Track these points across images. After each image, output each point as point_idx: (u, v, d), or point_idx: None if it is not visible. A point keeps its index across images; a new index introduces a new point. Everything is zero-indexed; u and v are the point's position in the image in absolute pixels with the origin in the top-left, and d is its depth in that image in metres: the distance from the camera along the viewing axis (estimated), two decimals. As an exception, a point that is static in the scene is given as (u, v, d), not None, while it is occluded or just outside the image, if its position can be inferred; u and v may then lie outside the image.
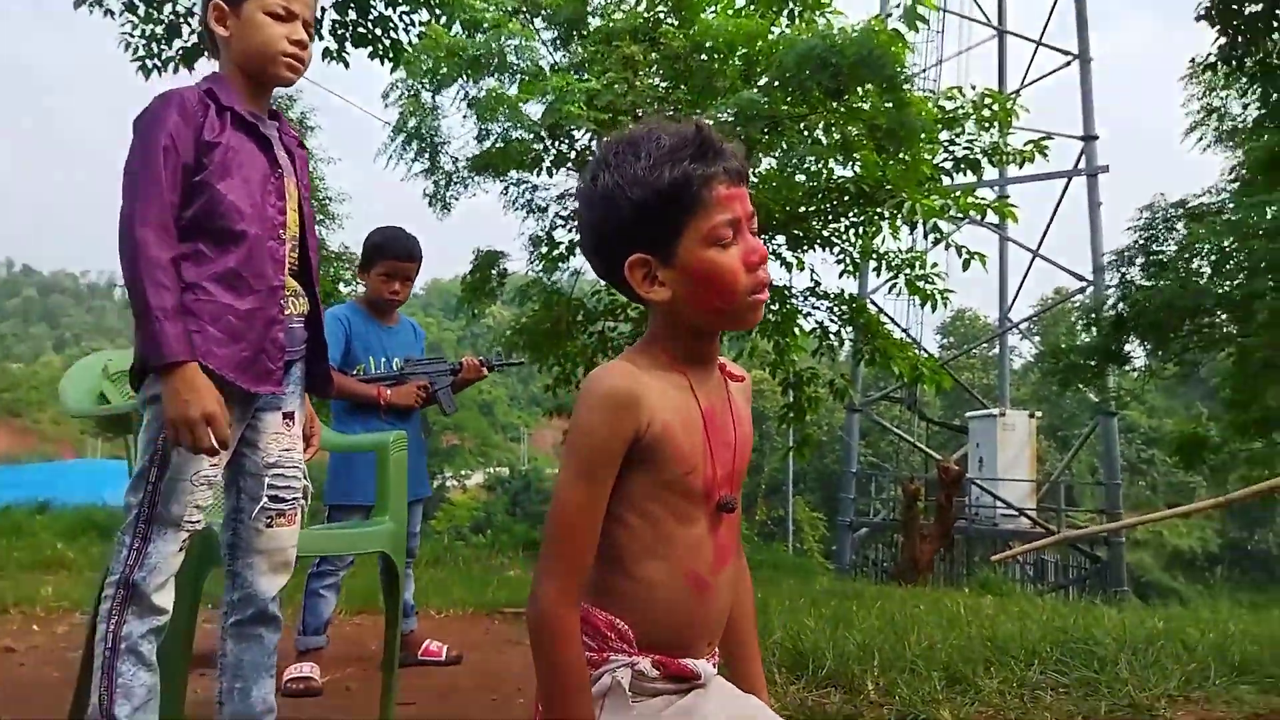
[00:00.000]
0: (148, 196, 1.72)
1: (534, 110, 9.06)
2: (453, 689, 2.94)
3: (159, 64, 10.47)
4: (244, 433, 1.92)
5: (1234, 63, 8.05)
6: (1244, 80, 8.43)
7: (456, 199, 10.12)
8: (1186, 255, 10.12)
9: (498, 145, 9.44)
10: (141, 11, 10.25)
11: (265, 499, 1.92)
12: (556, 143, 9.52)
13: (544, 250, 10.60)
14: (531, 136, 8.91)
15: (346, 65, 11.48)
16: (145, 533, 1.75)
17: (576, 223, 1.23)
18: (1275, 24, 7.45)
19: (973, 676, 2.74)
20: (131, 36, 10.27)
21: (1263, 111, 8.54)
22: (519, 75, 9.12)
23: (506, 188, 10.63)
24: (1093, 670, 2.82)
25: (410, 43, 11.33)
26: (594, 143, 9.46)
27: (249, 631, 1.93)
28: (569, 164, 9.98)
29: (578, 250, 10.72)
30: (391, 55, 11.30)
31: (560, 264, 10.74)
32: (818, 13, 9.29)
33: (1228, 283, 9.52)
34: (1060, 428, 37.58)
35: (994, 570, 11.14)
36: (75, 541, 7.28)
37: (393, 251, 3.13)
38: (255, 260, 1.84)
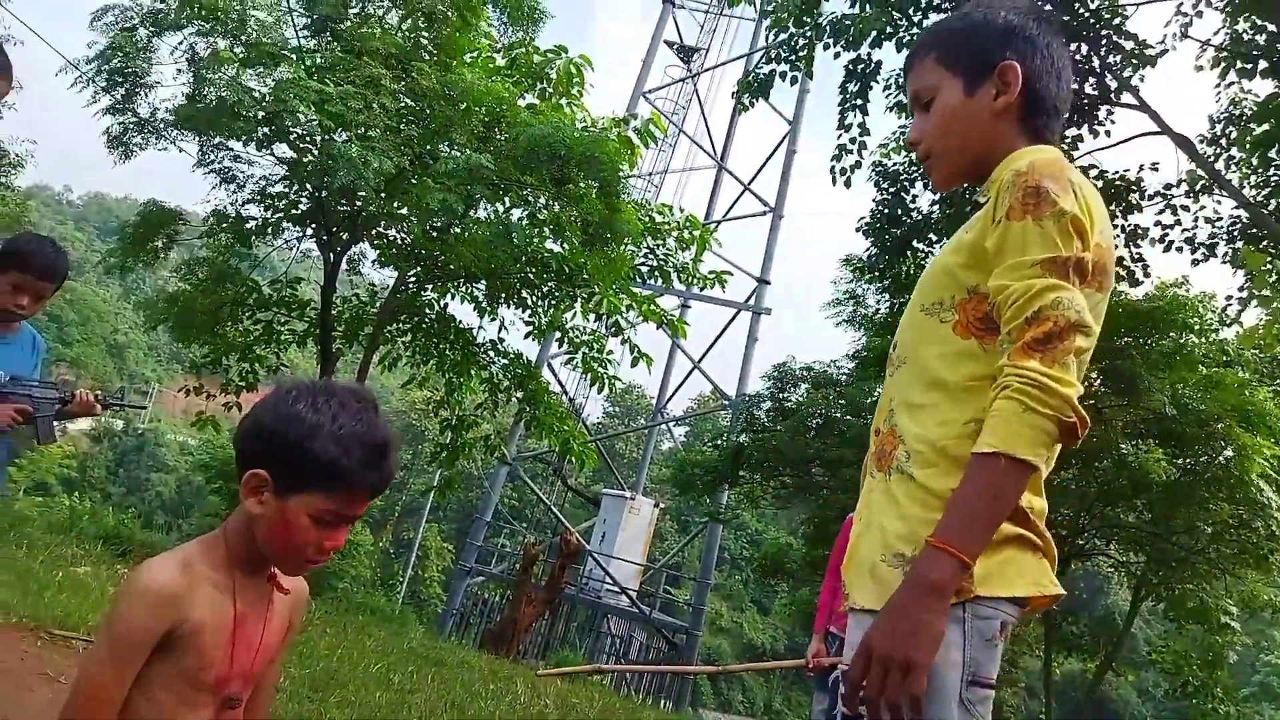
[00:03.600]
0: None
1: (257, 81, 8.61)
2: (-43, 734, 2.73)
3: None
4: None
5: (875, 270, 9.64)
6: (881, 284, 10.11)
7: (142, 148, 9.21)
8: (802, 412, 11.91)
9: (210, 103, 8.80)
10: None
11: None
12: (273, 125, 9.05)
13: (229, 227, 9.93)
14: (249, 107, 8.39)
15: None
16: None
17: (254, 417, 1.30)
18: (909, 250, 9.06)
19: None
20: None
21: (888, 314, 10.33)
22: (254, 45, 8.63)
23: (206, 149, 9.89)
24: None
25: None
26: (316, 134, 9.15)
27: None
28: (283, 143, 9.53)
29: (269, 231, 10.19)
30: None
31: (243, 246, 10.13)
32: (565, 100, 9.81)
33: (826, 443, 11.27)
34: (685, 513, 40.99)
35: (578, 648, 11.97)
36: None
37: (30, 266, 2.88)
38: None
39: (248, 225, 10.03)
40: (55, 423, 3.01)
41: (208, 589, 1.32)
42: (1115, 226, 7.46)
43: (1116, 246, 7.40)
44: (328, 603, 9.67)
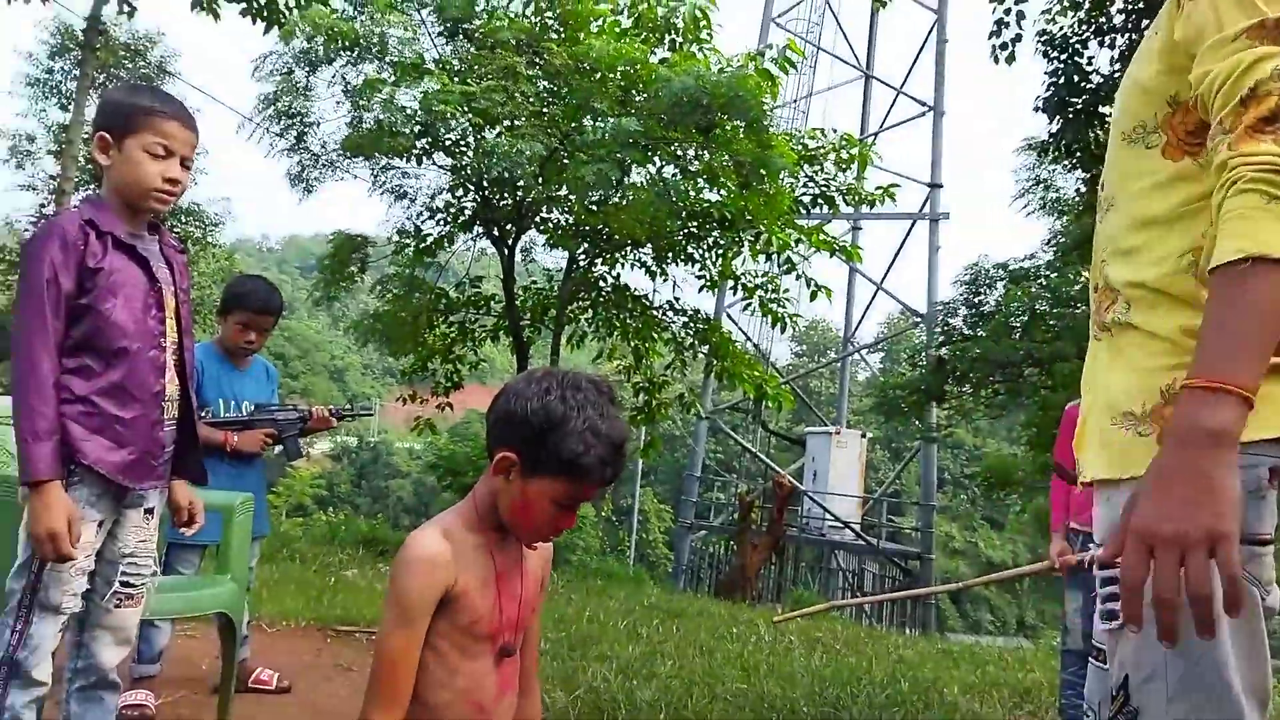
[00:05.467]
0: (34, 326, 1.87)
1: (408, 98, 9.04)
2: (279, 722, 3.09)
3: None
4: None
5: (1062, 148, 8.93)
6: (1069, 162, 9.36)
7: (321, 181, 9.91)
8: (1004, 312, 11.19)
9: (370, 128, 9.32)
10: None
11: (117, 584, 2.08)
12: (429, 138, 9.47)
13: (411, 241, 10.53)
14: (404, 124, 8.83)
15: (216, 17, 11.07)
16: (28, 616, 1.92)
17: (507, 402, 1.45)
18: (1097, 119, 8.32)
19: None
20: None
21: (1084, 191, 9.51)
22: (398, 63, 9.05)
23: (376, 172, 10.49)
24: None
25: (286, 4, 11.01)
26: (470, 136, 9.50)
27: (92, 695, 2.10)
28: (441, 152, 9.97)
29: (445, 243, 10.72)
30: (265, 15, 10.97)
31: (428, 257, 10.71)
32: (696, 46, 9.65)
33: (1035, 341, 10.56)
34: (895, 439, 39.94)
35: (811, 587, 11.98)
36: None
37: (250, 304, 3.24)
38: (138, 372, 2.01)
39: (425, 238, 10.60)
40: (299, 440, 3.33)
41: (469, 551, 1.45)
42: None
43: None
44: (565, 573, 10.20)
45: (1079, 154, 8.83)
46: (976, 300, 11.94)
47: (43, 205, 16.28)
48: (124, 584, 2.09)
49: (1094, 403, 1.38)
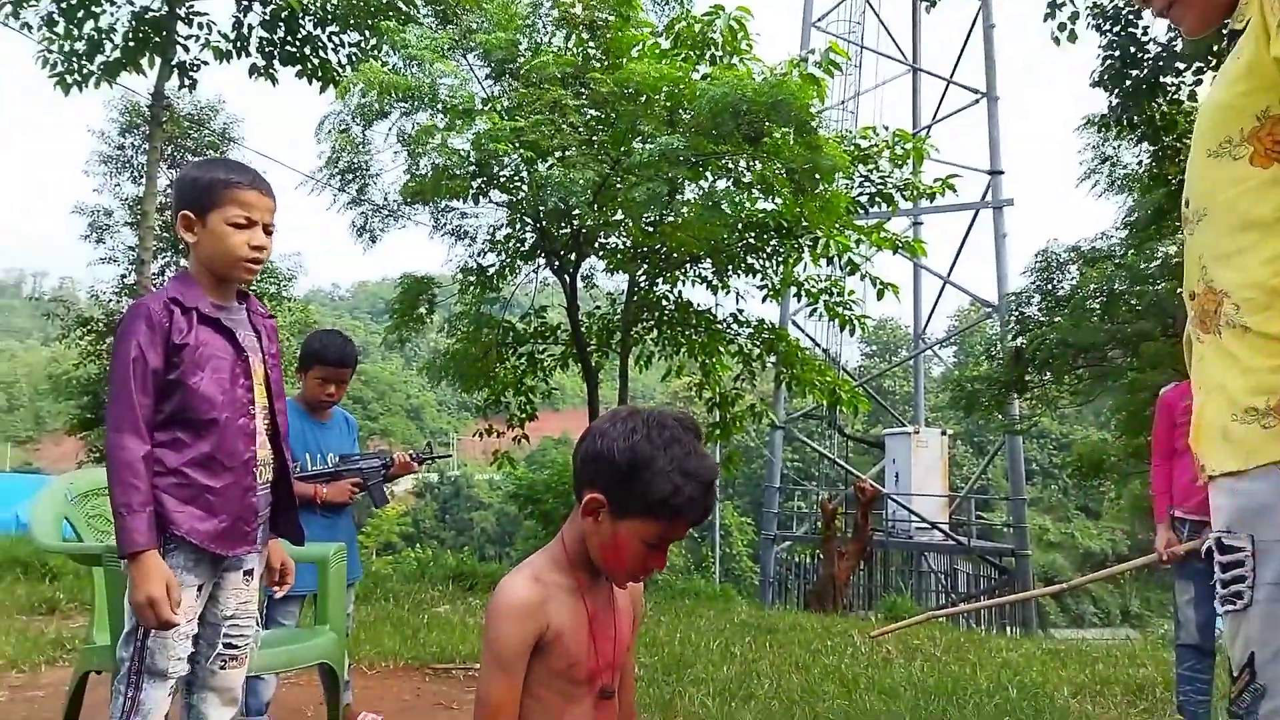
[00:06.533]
0: (122, 404, 1.96)
1: (462, 141, 9.21)
2: (385, 765, 3.14)
3: (79, 80, 10.35)
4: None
5: (1125, 121, 8.67)
6: (1133, 136, 9.07)
7: (385, 230, 10.15)
8: (1080, 295, 10.86)
9: (427, 174, 9.52)
10: (61, 28, 10.12)
11: (221, 646, 2.15)
12: (484, 176, 9.64)
13: (475, 278, 10.70)
14: (459, 165, 8.99)
15: (274, 82, 11.44)
16: (138, 682, 2.00)
17: (592, 443, 1.44)
18: (1158, 89, 8.06)
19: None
20: (50, 53, 10.12)
21: (1152, 164, 9.20)
22: (450, 108, 9.24)
23: (436, 215, 10.70)
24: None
25: (339, 64, 11.36)
26: (523, 171, 9.65)
27: None
28: (497, 189, 10.14)
29: (508, 274, 10.87)
30: (320, 75, 11.33)
31: (491, 292, 10.87)
32: (736, 58, 9.63)
33: (1116, 322, 10.20)
34: (977, 434, 38.96)
35: (903, 591, 11.73)
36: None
37: (328, 358, 3.33)
38: (228, 441, 2.07)
39: (488, 273, 10.76)
40: (384, 486, 3.41)
41: (560, 594, 1.45)
42: None
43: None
44: (653, 594, 10.19)
45: (1142, 126, 8.56)
46: (1050, 286, 11.61)
47: (124, 276, 17.00)
48: (227, 645, 2.15)
49: (1211, 399, 1.41)
